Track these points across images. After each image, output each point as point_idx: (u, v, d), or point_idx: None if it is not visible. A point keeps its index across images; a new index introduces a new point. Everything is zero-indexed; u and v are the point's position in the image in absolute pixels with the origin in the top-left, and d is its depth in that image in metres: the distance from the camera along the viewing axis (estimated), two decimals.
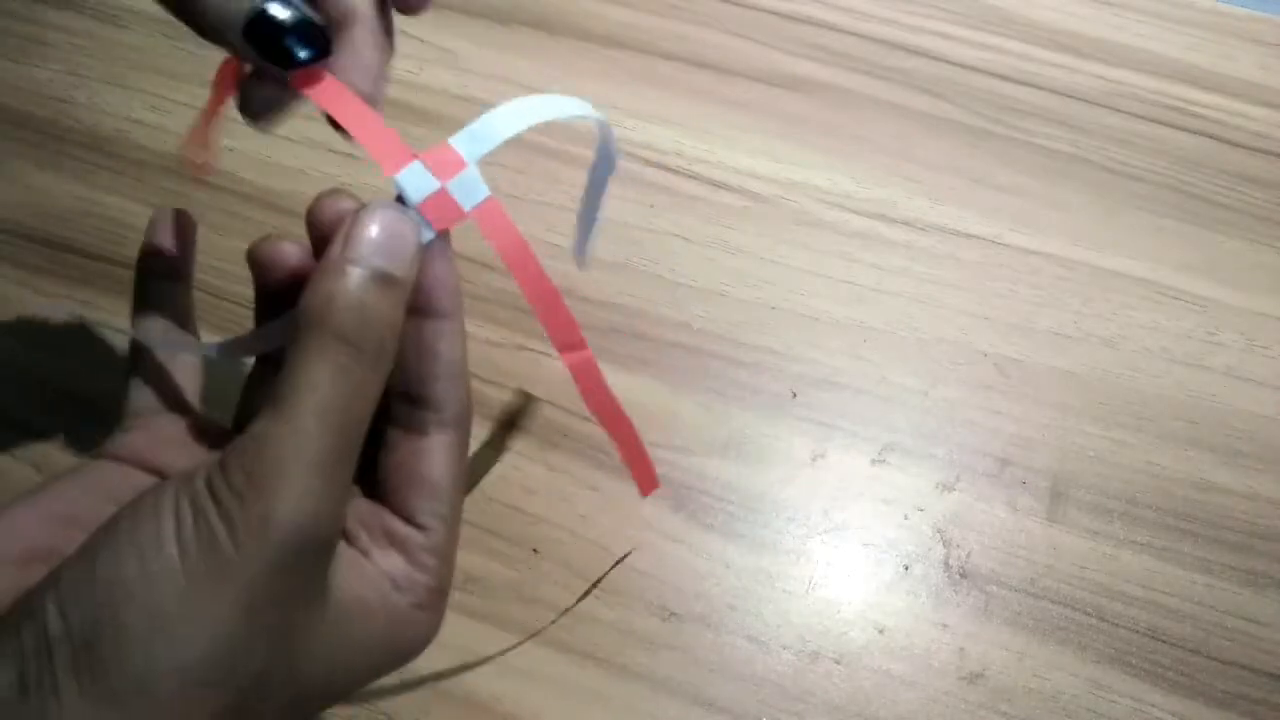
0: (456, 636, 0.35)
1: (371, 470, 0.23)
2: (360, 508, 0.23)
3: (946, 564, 0.37)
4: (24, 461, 0.38)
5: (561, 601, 0.36)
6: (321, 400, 0.19)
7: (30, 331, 0.41)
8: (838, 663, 0.35)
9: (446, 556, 0.23)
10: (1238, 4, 0.52)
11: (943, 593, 0.37)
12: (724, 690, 0.34)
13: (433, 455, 0.23)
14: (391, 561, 0.22)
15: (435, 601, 0.23)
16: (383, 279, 0.20)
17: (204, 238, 0.43)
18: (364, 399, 0.20)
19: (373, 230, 0.20)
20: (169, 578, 0.18)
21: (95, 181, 0.45)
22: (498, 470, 0.38)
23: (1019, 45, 0.50)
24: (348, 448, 0.19)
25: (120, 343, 0.40)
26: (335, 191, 0.22)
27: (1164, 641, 0.36)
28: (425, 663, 0.34)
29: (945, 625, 0.36)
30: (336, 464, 0.19)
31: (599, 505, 0.38)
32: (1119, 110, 0.48)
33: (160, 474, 0.23)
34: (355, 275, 0.20)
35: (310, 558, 0.19)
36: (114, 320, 0.41)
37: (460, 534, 0.24)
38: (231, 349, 0.24)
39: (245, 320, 0.41)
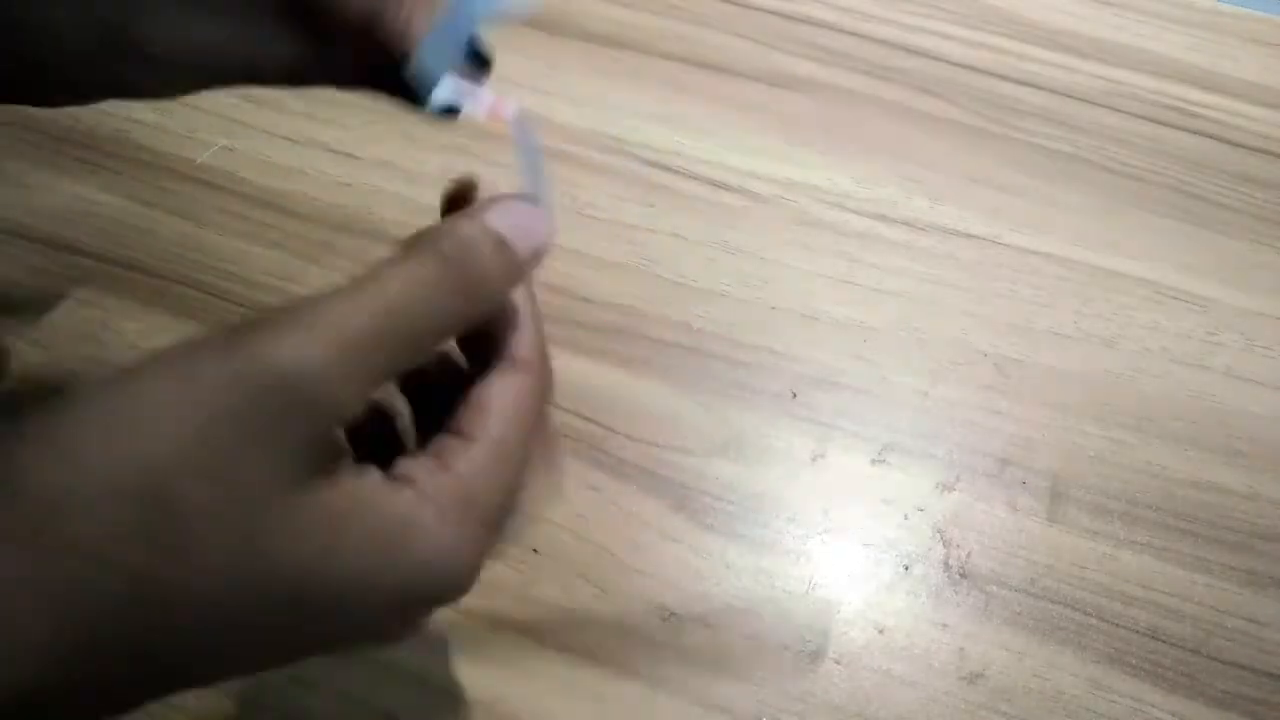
0: (457, 637, 0.35)
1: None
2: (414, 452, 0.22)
3: (946, 564, 0.37)
4: None
5: (561, 601, 0.36)
6: (386, 291, 0.19)
7: (30, 331, 0.41)
8: (838, 663, 0.35)
9: (484, 469, 0.21)
10: (1238, 4, 0.52)
11: (943, 593, 0.37)
12: (724, 690, 0.34)
13: (491, 385, 0.22)
14: (420, 463, 0.20)
15: (460, 510, 0.20)
16: (501, 243, 0.21)
17: (204, 238, 0.44)
18: (430, 317, 0.20)
19: (513, 208, 0.22)
20: (137, 380, 0.17)
21: (95, 181, 0.45)
22: None
23: (1019, 45, 0.50)
24: (393, 341, 0.19)
25: (120, 343, 0.40)
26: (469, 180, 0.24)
27: (1164, 641, 0.36)
28: (425, 662, 0.34)
29: (945, 625, 0.36)
30: (372, 345, 0.19)
31: (599, 505, 0.38)
32: (1119, 110, 0.48)
33: None
34: (479, 224, 0.21)
35: (298, 415, 0.18)
36: (115, 320, 0.41)
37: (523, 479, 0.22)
38: None
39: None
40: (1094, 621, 0.36)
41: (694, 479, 0.38)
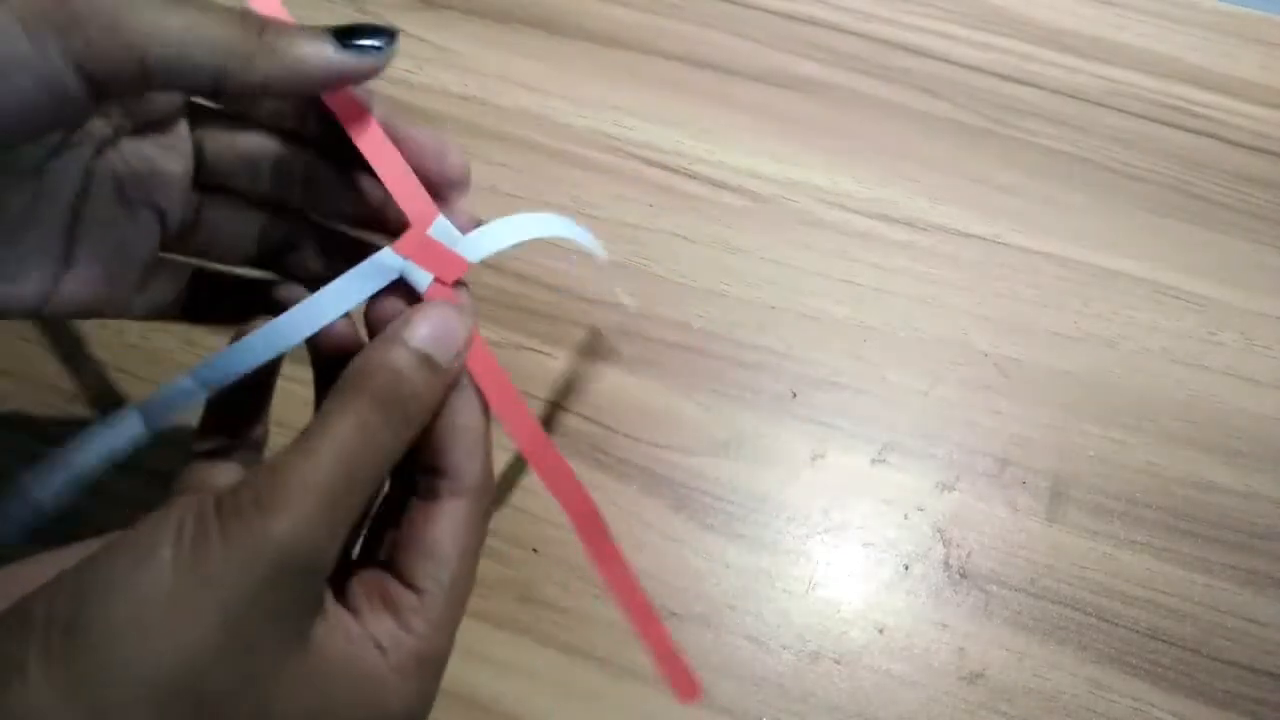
0: (456, 636, 0.35)
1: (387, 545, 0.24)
2: (365, 575, 0.23)
3: (946, 564, 0.37)
4: (24, 462, 0.38)
5: (561, 601, 0.36)
6: (340, 445, 0.20)
7: (30, 331, 0.41)
8: (838, 663, 0.35)
9: (440, 625, 0.23)
10: (1238, 4, 0.52)
11: (943, 593, 0.37)
12: (724, 690, 0.35)
13: (440, 521, 0.23)
14: (380, 622, 0.22)
15: (419, 669, 0.22)
16: (426, 360, 0.22)
17: None
18: (380, 456, 0.21)
19: (427, 319, 0.23)
20: (157, 578, 0.18)
21: None
22: (498, 470, 0.38)
23: (1019, 45, 0.50)
24: (356, 490, 0.20)
25: (121, 342, 0.40)
26: (393, 294, 0.24)
27: (1164, 641, 0.36)
28: None
29: (945, 625, 0.36)
30: (342, 499, 0.20)
31: (599, 505, 0.38)
32: (1119, 110, 0.48)
33: None
34: (400, 350, 0.22)
35: (299, 583, 0.19)
36: (114, 320, 0.41)
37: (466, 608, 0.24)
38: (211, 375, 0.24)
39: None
40: (1094, 621, 0.36)
41: (694, 479, 0.38)
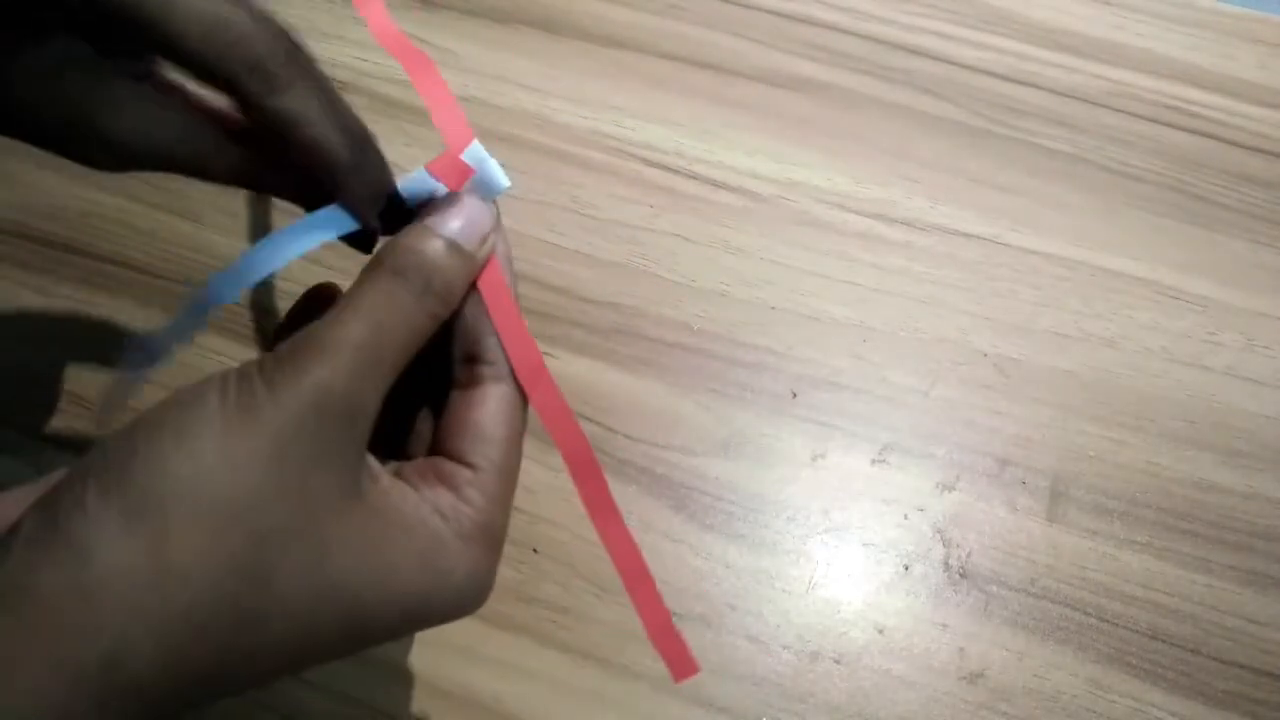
0: (457, 636, 0.35)
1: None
2: (417, 462, 0.23)
3: (946, 564, 0.37)
4: (24, 462, 0.38)
5: (561, 601, 0.36)
6: (367, 311, 0.21)
7: (31, 331, 0.41)
8: (838, 663, 0.35)
9: (496, 498, 0.23)
10: (1238, 4, 0.52)
11: (943, 593, 0.37)
12: (724, 690, 0.35)
13: (485, 404, 0.24)
14: (437, 494, 0.22)
15: (482, 537, 0.22)
16: (448, 242, 0.23)
17: (204, 238, 0.44)
18: (406, 323, 0.22)
19: (450, 206, 0.24)
20: (206, 420, 0.19)
21: (95, 181, 0.45)
22: None
23: (1019, 45, 0.50)
24: (386, 350, 0.21)
25: (120, 342, 0.40)
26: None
27: (1164, 641, 0.36)
28: (425, 662, 0.35)
29: (945, 625, 0.36)
30: (371, 353, 0.21)
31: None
32: (1119, 110, 0.48)
33: None
34: (422, 231, 0.23)
35: (343, 425, 0.20)
36: (114, 320, 0.41)
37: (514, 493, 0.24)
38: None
39: (242, 321, 0.41)
40: (1094, 621, 0.36)
41: (694, 479, 0.38)
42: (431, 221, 0.24)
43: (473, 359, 0.24)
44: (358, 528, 0.20)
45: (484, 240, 0.24)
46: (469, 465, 0.23)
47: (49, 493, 0.19)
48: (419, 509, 0.22)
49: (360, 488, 0.21)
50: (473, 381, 0.24)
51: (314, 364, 0.20)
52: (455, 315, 0.24)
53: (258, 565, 0.19)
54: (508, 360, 0.24)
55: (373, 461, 0.22)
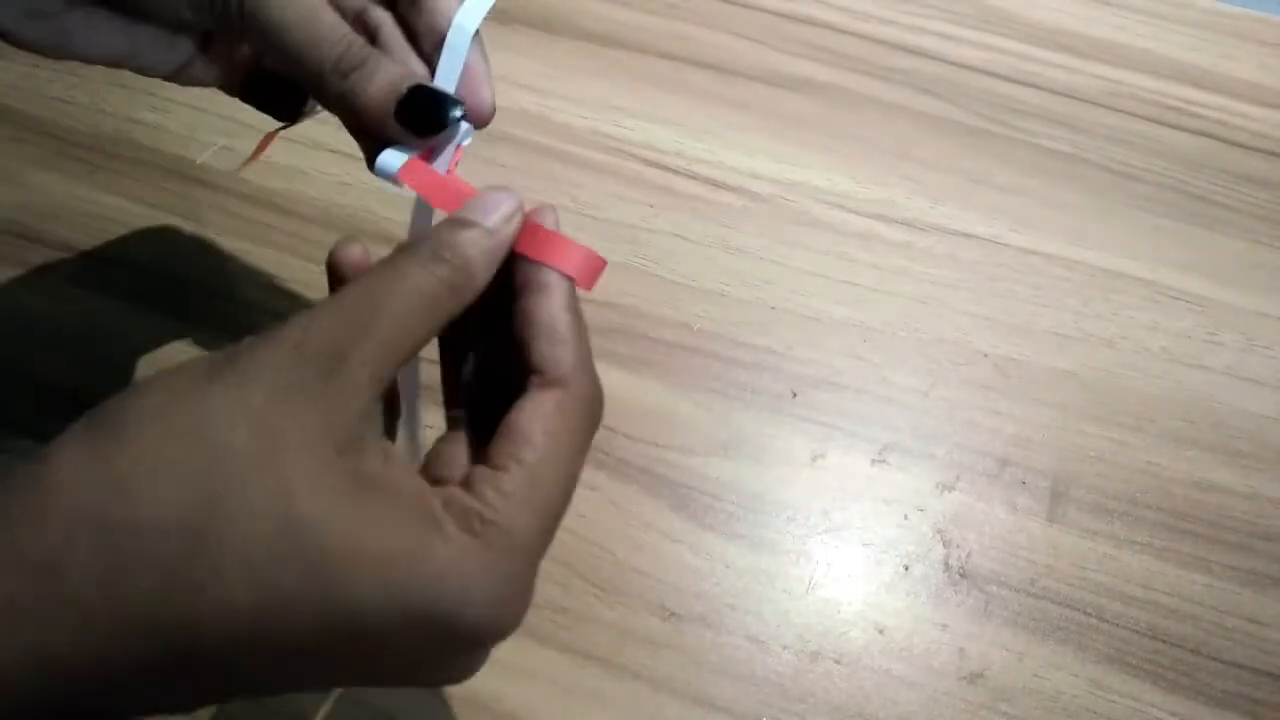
0: None
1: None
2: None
3: (946, 564, 0.37)
4: (24, 461, 0.38)
5: (561, 601, 0.36)
6: (363, 279, 0.22)
7: (31, 331, 0.41)
8: (838, 663, 0.35)
9: (521, 500, 0.21)
10: (1238, 4, 0.52)
11: (943, 593, 0.37)
12: (724, 690, 0.34)
13: (525, 407, 0.23)
14: (450, 489, 0.21)
15: (497, 538, 0.20)
16: (463, 220, 0.23)
17: (204, 237, 0.44)
18: (413, 289, 0.22)
19: (488, 203, 0.24)
20: (187, 367, 0.20)
21: (95, 181, 0.45)
22: None
23: (1019, 45, 0.50)
24: (385, 312, 0.21)
25: (121, 342, 0.40)
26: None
27: (1164, 641, 0.36)
28: None
29: (945, 625, 0.36)
30: (365, 314, 0.21)
31: (599, 505, 0.38)
32: (1119, 110, 0.48)
33: None
34: (472, 232, 0.23)
35: (321, 368, 0.20)
36: (115, 320, 0.41)
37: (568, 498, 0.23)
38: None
39: (243, 320, 0.41)
40: (1094, 621, 0.36)
41: (694, 479, 0.38)
42: (474, 215, 0.24)
43: (525, 370, 0.23)
44: (332, 480, 0.19)
45: (507, 219, 0.24)
46: (494, 466, 0.22)
47: None
48: (422, 494, 0.21)
49: (345, 445, 0.20)
50: (521, 390, 0.23)
51: (298, 318, 0.21)
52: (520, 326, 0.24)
53: (211, 485, 0.18)
54: (561, 358, 0.23)
55: (384, 441, 0.21)
